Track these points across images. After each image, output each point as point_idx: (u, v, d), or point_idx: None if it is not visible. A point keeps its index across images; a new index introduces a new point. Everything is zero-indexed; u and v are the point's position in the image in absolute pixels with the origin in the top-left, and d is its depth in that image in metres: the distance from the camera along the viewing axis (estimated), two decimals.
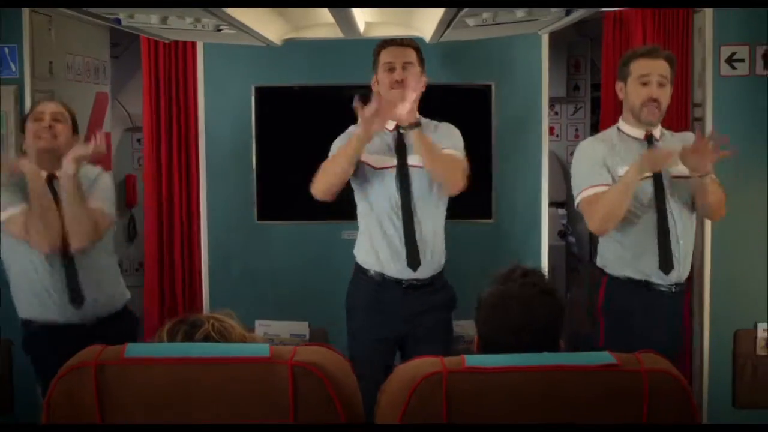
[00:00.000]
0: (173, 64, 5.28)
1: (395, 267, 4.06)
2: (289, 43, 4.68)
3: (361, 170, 4.00)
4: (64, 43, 4.84)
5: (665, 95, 3.96)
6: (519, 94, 5.04)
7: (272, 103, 5.06)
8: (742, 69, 4.59)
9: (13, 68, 4.46)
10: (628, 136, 4.00)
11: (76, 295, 3.97)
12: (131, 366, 2.26)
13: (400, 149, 4.02)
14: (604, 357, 2.26)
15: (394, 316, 4.08)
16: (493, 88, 4.99)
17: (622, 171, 3.89)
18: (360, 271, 4.15)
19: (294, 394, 2.21)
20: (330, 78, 5.00)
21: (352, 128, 4.04)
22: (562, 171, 7.43)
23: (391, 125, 4.01)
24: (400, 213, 4.00)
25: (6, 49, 4.46)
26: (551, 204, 5.39)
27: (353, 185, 4.07)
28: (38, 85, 4.55)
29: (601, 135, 4.16)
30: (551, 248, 5.26)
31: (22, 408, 4.63)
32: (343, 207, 4.15)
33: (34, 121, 3.93)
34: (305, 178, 3.98)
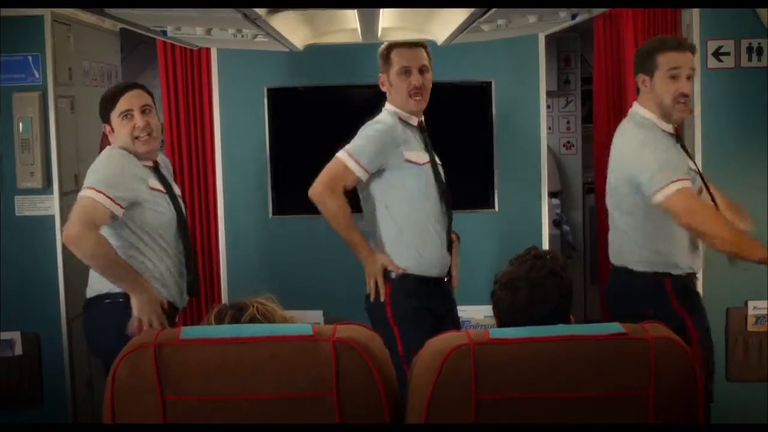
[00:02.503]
0: (189, 67, 5.43)
1: (441, 262, 4.12)
2: (305, 48, 4.87)
3: (403, 170, 4.01)
4: (80, 49, 4.97)
5: (692, 89, 3.91)
6: (518, 90, 5.23)
7: (284, 103, 5.23)
8: (729, 62, 4.78)
9: (37, 75, 4.61)
10: (662, 130, 3.89)
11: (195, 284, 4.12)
12: (187, 346, 2.48)
13: (428, 145, 4.10)
14: (614, 327, 2.50)
15: (440, 314, 4.16)
16: (493, 84, 5.18)
17: None
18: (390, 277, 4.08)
19: (337, 367, 2.43)
20: (338, 79, 5.19)
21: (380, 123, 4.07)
22: (555, 162, 7.66)
23: (415, 120, 4.09)
24: (443, 207, 4.08)
25: (30, 58, 4.61)
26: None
27: (380, 188, 4.05)
28: (60, 91, 4.70)
29: (641, 122, 3.93)
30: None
31: (51, 401, 4.76)
32: (356, 200, 4.21)
33: (123, 118, 3.89)
34: (317, 173, 4.10)
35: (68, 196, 4.74)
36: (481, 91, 5.18)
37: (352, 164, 3.95)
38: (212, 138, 5.39)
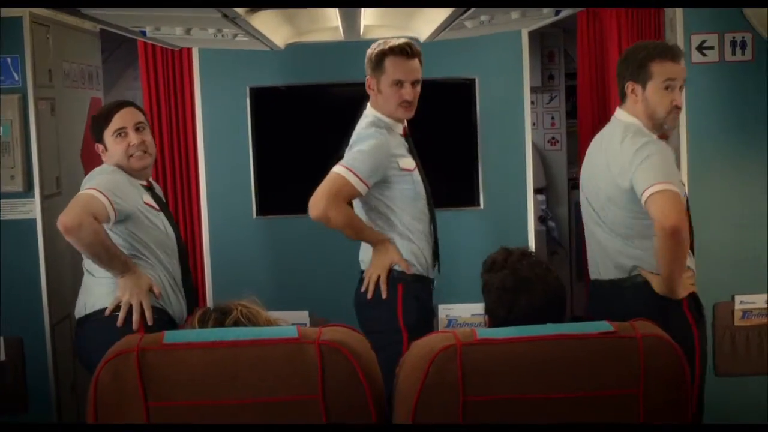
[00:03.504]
0: (170, 67, 5.40)
1: (432, 263, 4.11)
2: (286, 47, 4.84)
3: (398, 178, 3.97)
4: (60, 51, 4.91)
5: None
6: (502, 86, 5.20)
7: (267, 102, 5.20)
8: (712, 56, 4.77)
9: (16, 77, 4.54)
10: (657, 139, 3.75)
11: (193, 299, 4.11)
12: (170, 351, 2.46)
13: (413, 150, 4.08)
14: (603, 325, 2.49)
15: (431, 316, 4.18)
16: (476, 81, 5.16)
17: None
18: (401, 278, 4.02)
19: (322, 370, 2.41)
20: (320, 77, 5.15)
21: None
22: (540, 158, 7.66)
23: (400, 128, 4.04)
24: (430, 208, 4.07)
25: (9, 60, 4.55)
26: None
27: (382, 195, 4.00)
28: (40, 93, 4.63)
29: (636, 130, 3.74)
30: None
31: (35, 406, 4.69)
32: None
33: (117, 136, 3.91)
34: (300, 172, 4.10)
35: (50, 199, 4.72)
36: (465, 88, 5.17)
37: (354, 180, 3.86)
38: (194, 138, 5.35)
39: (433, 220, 4.10)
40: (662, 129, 3.78)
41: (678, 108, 3.71)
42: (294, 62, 5.15)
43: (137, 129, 3.91)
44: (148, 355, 2.44)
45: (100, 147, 3.97)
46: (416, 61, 3.97)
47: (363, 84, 4.10)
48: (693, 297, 3.79)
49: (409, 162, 4.01)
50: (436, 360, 2.39)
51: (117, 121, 3.90)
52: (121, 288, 3.79)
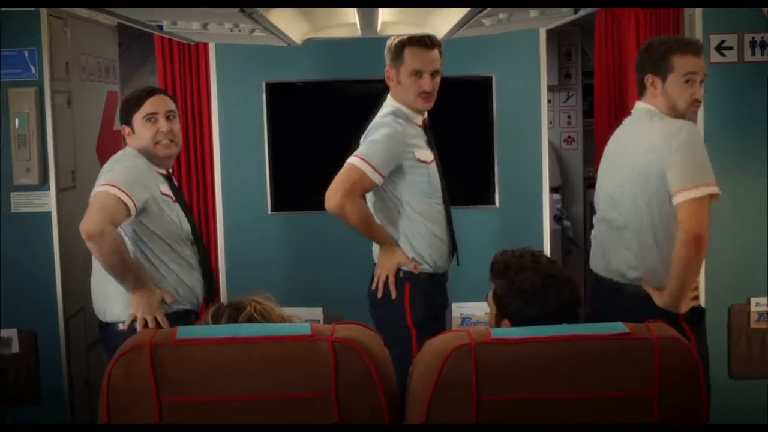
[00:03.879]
0: (186, 62, 5.39)
1: (447, 258, 4.14)
2: (303, 42, 4.82)
3: (415, 170, 3.99)
4: (77, 44, 4.93)
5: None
6: (519, 84, 5.17)
7: (283, 98, 5.18)
8: (732, 56, 4.75)
9: (33, 70, 4.56)
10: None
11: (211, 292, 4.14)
12: (183, 346, 2.44)
13: (432, 143, 4.08)
14: (618, 327, 2.47)
15: (443, 310, 4.21)
16: (494, 79, 5.13)
17: None
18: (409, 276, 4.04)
19: (335, 367, 2.40)
20: (336, 74, 5.13)
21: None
22: (556, 157, 7.63)
23: (419, 120, 4.05)
24: (447, 203, 4.08)
25: (26, 53, 4.57)
26: None
27: (394, 187, 4.01)
28: (56, 86, 4.66)
29: (662, 116, 3.76)
30: None
31: (48, 399, 4.72)
32: None
33: (146, 120, 3.92)
34: (315, 169, 4.07)
35: (65, 192, 4.75)
36: (482, 86, 5.15)
37: (368, 170, 3.87)
38: (210, 133, 5.36)
39: (448, 215, 4.09)
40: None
41: (698, 102, 3.73)
42: (311, 58, 5.13)
43: (168, 117, 3.93)
44: (160, 351, 2.42)
45: (127, 129, 3.98)
46: (435, 52, 3.99)
47: (380, 80, 4.12)
48: (693, 308, 3.78)
49: (426, 154, 4.00)
50: (450, 359, 2.37)
51: (149, 105, 3.92)
52: (134, 305, 3.81)
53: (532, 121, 5.19)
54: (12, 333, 4.66)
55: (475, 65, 5.15)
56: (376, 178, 3.88)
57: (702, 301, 4.76)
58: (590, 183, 7.34)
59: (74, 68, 4.92)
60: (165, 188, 3.94)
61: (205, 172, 5.46)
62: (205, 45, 5.23)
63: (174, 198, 3.98)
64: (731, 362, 4.86)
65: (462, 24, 3.24)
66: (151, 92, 3.97)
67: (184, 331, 2.50)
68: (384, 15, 3.99)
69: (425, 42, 3.96)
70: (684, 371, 2.40)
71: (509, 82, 5.14)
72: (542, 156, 5.23)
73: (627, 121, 3.92)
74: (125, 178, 3.78)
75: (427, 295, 3.99)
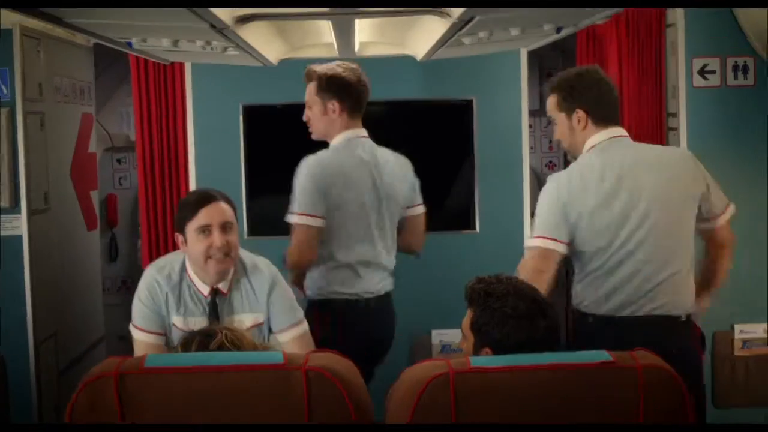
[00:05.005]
0: (162, 83, 5.30)
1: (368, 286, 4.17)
2: (280, 63, 4.75)
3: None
4: (51, 65, 4.86)
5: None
6: (499, 108, 5.14)
7: (261, 121, 5.13)
8: (714, 80, 4.73)
9: (5, 91, 4.46)
10: None
11: None
12: (151, 375, 2.36)
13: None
14: (601, 355, 2.39)
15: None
16: (474, 102, 5.09)
17: None
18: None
19: (308, 397, 2.31)
20: None
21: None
22: (537, 182, 7.56)
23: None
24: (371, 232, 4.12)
25: None
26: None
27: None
28: (29, 107, 4.56)
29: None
30: None
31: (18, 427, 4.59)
32: None
33: (200, 233, 3.41)
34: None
35: (37, 215, 4.65)
36: (462, 109, 5.10)
37: (311, 221, 3.99)
38: (185, 156, 5.27)
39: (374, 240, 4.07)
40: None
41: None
42: (289, 79, 4.92)
43: (223, 228, 3.44)
44: (127, 380, 2.34)
45: (180, 238, 3.51)
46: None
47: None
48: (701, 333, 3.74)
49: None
50: (428, 389, 2.29)
51: (203, 216, 3.43)
52: None
53: (514, 145, 5.14)
54: None
55: (456, 88, 5.10)
56: (319, 223, 4.03)
57: None
58: None
59: (48, 89, 4.83)
60: (178, 320, 3.54)
61: (180, 195, 5.36)
62: (181, 66, 5.16)
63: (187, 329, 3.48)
64: (715, 390, 4.80)
65: (442, 43, 3.18)
66: (206, 200, 3.48)
67: (153, 360, 2.41)
68: (361, 35, 3.92)
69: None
70: (670, 401, 2.33)
71: (490, 105, 5.09)
72: (523, 181, 5.20)
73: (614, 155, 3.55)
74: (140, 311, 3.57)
75: (336, 324, 3.99)
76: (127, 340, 6.28)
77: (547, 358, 2.39)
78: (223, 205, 3.49)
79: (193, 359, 2.43)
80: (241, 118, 5.12)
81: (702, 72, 4.72)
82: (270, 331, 3.54)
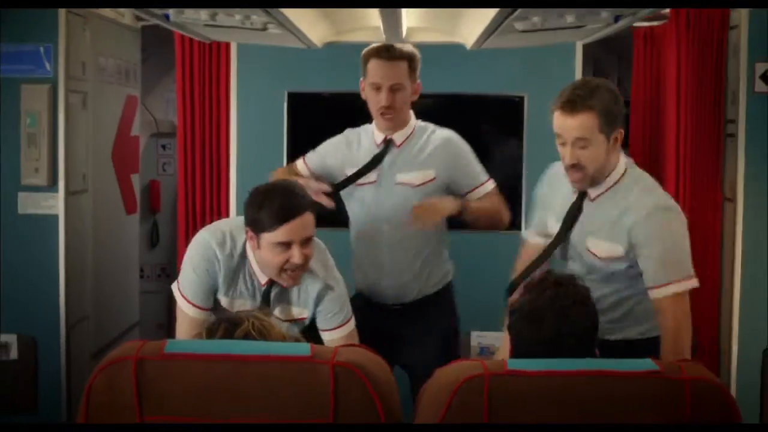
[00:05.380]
0: (207, 67, 5.20)
1: (372, 286, 3.98)
2: (325, 47, 4.64)
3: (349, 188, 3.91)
4: (97, 44, 4.79)
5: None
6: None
7: (305, 109, 5.00)
8: None
9: (48, 67, 4.40)
10: None
11: None
12: (171, 361, 2.27)
13: (386, 163, 3.85)
14: (647, 364, 2.25)
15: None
16: (525, 99, 4.93)
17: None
18: None
19: (335, 393, 2.20)
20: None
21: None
22: None
23: (380, 139, 3.85)
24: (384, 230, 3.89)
25: (41, 49, 4.41)
26: None
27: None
28: (72, 85, 4.50)
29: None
30: None
31: (45, 408, 4.55)
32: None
33: (278, 246, 3.13)
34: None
35: (75, 195, 4.60)
36: (514, 106, 4.94)
37: (300, 163, 4.06)
38: (227, 144, 5.17)
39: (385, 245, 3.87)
40: None
41: (572, 167, 3.22)
42: (336, 66, 4.90)
43: (303, 244, 3.17)
44: (146, 365, 2.26)
45: (251, 234, 3.21)
46: (400, 65, 3.72)
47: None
48: None
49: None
50: (461, 390, 2.17)
51: (284, 233, 3.12)
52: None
53: None
54: (11, 339, 4.49)
55: (506, 83, 4.95)
56: (302, 169, 4.01)
57: (735, 346, 4.65)
58: None
59: (92, 68, 4.77)
60: (225, 301, 3.36)
61: (221, 184, 5.27)
62: (227, 50, 5.06)
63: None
64: (764, 408, 4.61)
65: (492, 29, 3.04)
66: (291, 214, 3.13)
67: (173, 345, 2.33)
68: (409, 20, 3.78)
69: (382, 53, 3.72)
70: (719, 417, 2.18)
71: (542, 102, 4.92)
72: None
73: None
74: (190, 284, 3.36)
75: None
76: (164, 328, 6.40)
77: (590, 363, 2.26)
78: (308, 218, 3.17)
79: (216, 347, 2.33)
80: (285, 105, 4.99)
81: (764, 77, 4.55)
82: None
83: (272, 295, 3.30)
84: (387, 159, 3.83)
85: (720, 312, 4.81)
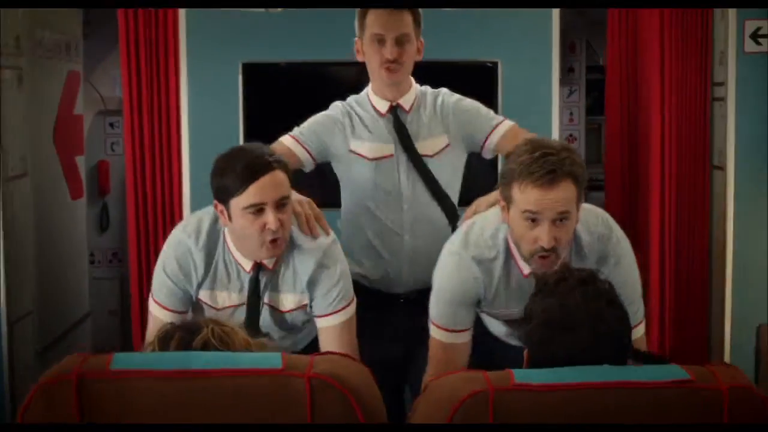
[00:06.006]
0: (153, 37, 4.88)
1: (382, 272, 3.55)
2: (281, 13, 4.36)
3: (349, 163, 3.49)
4: (32, 16, 4.51)
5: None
6: (527, 71, 4.73)
7: (263, 80, 4.73)
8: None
9: None
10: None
11: None
12: (119, 380, 1.95)
13: (397, 137, 3.47)
14: (675, 372, 1.94)
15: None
16: (499, 65, 4.68)
17: None
18: None
19: (312, 410, 1.91)
20: (326, 53, 4.63)
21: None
22: None
23: (384, 107, 3.48)
24: (397, 213, 3.50)
25: None
26: None
27: (340, 177, 3.58)
28: (5, 62, 4.19)
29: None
30: None
31: None
32: (336, 193, 3.67)
33: (251, 213, 2.83)
34: None
35: (13, 181, 4.30)
36: (486, 72, 4.67)
37: (292, 144, 3.49)
38: (178, 119, 4.84)
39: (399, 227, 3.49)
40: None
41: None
42: (295, 34, 4.64)
43: (278, 206, 2.85)
44: (90, 385, 1.94)
45: (220, 207, 2.91)
46: (403, 15, 3.38)
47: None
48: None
49: (371, 148, 3.46)
50: (462, 409, 1.85)
51: (254, 193, 2.82)
52: None
53: (542, 114, 4.74)
54: None
55: (479, 49, 4.69)
56: (302, 154, 3.48)
57: (728, 321, 4.46)
58: (593, 185, 6.88)
59: (27, 42, 4.48)
60: (205, 295, 3.08)
61: (172, 163, 4.95)
62: (174, 18, 4.74)
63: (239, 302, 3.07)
64: (758, 385, 4.40)
65: None
66: (258, 171, 2.83)
67: (121, 360, 2.00)
68: None
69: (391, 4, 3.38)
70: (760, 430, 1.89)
71: (517, 68, 4.69)
72: None
73: None
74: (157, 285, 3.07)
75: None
76: (117, 315, 6.14)
77: (610, 373, 1.94)
78: (279, 175, 2.85)
79: (172, 360, 2.02)
80: (240, 77, 4.71)
81: (755, 36, 4.33)
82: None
83: (262, 282, 2.98)
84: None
85: (711, 287, 4.64)
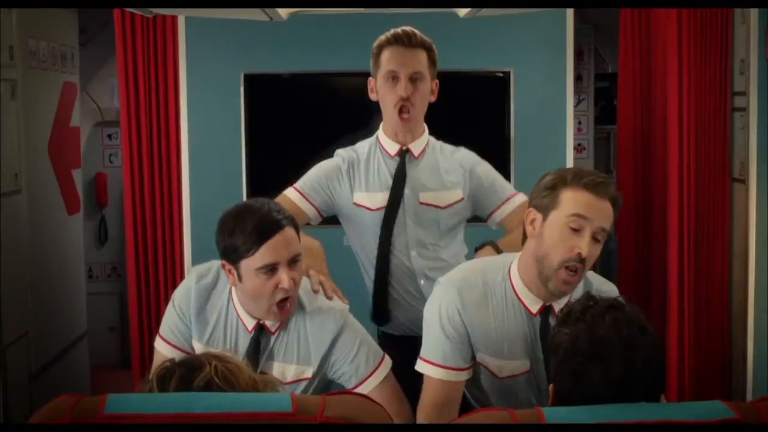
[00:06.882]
0: (152, 47, 4.85)
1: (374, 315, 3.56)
2: (284, 23, 4.27)
3: (355, 214, 3.42)
4: (26, 25, 4.44)
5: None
6: (541, 79, 4.71)
7: (264, 91, 4.70)
8: None
9: None
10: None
11: None
12: (113, 425, 1.79)
13: (397, 181, 3.40)
14: (719, 410, 1.78)
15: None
16: (512, 74, 4.65)
17: None
18: None
19: None
20: (326, 64, 4.65)
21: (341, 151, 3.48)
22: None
23: (394, 149, 3.39)
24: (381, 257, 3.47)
25: None
26: None
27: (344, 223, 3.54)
28: None
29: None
30: None
31: None
32: None
33: (264, 273, 2.71)
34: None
35: (7, 197, 4.23)
36: (499, 83, 4.64)
37: (298, 199, 3.38)
38: (177, 132, 4.82)
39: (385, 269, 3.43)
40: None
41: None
42: (299, 45, 4.63)
43: (291, 264, 2.74)
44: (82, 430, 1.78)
45: (228, 267, 2.78)
46: (419, 52, 3.29)
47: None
48: None
49: (372, 198, 3.38)
50: None
51: (267, 254, 2.70)
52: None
53: (555, 124, 4.71)
54: None
55: (491, 58, 4.68)
56: (310, 211, 3.38)
57: (750, 338, 4.37)
58: None
59: (21, 53, 4.41)
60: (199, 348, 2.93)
61: (171, 176, 4.89)
62: (174, 27, 4.75)
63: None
64: None
65: None
66: (270, 230, 2.71)
67: (116, 403, 1.84)
68: None
69: (400, 39, 3.29)
70: None
71: (530, 76, 4.70)
72: (567, 162, 4.82)
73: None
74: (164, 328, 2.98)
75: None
76: (117, 331, 6.04)
77: (650, 411, 1.78)
78: (290, 233, 2.74)
79: (171, 402, 1.85)
80: (242, 88, 4.68)
81: None
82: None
83: (261, 344, 2.84)
84: (408, 174, 3.40)
85: (731, 303, 4.53)
